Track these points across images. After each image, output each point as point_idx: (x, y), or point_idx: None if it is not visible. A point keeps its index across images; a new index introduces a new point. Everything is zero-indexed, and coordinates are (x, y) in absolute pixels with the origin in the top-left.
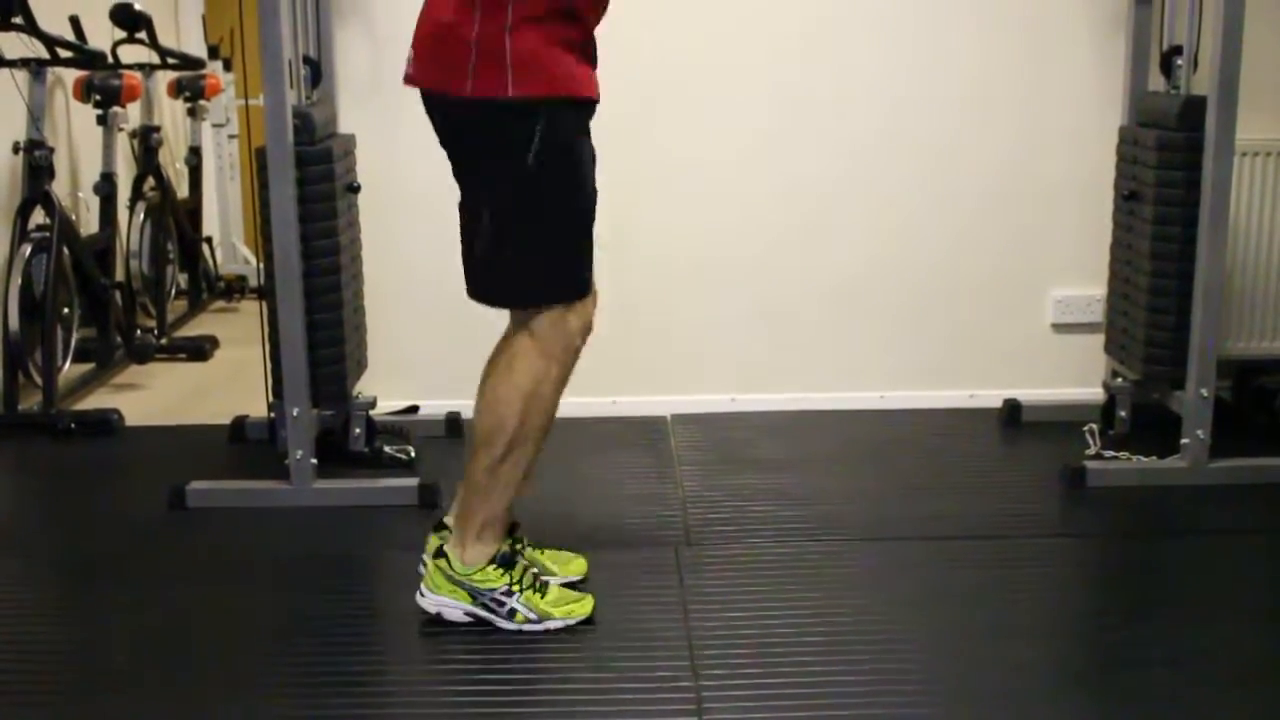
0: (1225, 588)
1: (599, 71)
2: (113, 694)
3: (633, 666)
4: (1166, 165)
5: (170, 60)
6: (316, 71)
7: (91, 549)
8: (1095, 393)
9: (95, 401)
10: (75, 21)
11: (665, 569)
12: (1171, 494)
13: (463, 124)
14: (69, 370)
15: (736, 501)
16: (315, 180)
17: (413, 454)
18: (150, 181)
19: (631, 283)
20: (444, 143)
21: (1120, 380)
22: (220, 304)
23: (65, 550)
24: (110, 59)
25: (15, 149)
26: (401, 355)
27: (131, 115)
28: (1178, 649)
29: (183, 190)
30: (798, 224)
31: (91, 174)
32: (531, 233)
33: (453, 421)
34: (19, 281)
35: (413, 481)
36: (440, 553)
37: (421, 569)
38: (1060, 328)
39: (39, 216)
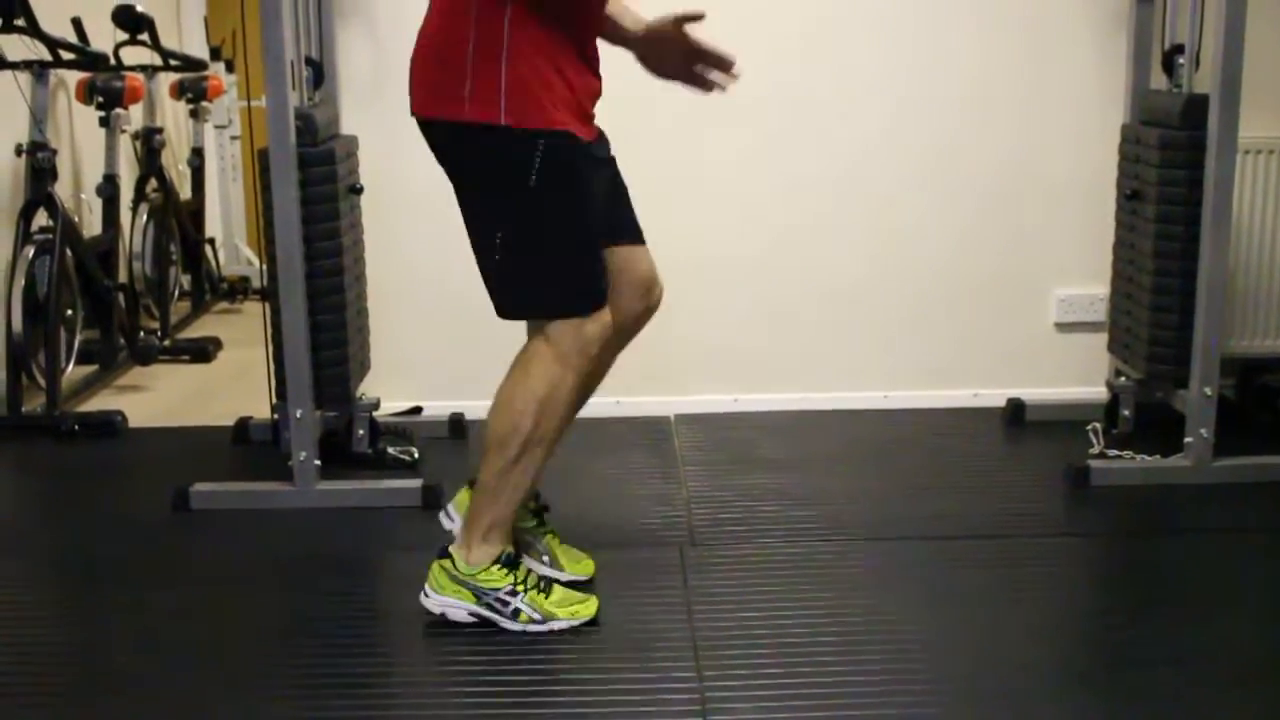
0: (1229, 587)
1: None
2: (114, 695)
3: (637, 667)
4: (1169, 164)
5: (172, 62)
6: (319, 73)
7: (95, 551)
8: (1099, 392)
9: (99, 403)
10: (77, 23)
11: (670, 569)
12: (1175, 493)
13: (462, 147)
14: (72, 372)
15: (741, 502)
16: (318, 181)
17: (416, 455)
18: (153, 183)
19: None
20: (446, 167)
21: (1123, 379)
22: (223, 305)
23: (68, 552)
24: (113, 61)
25: (18, 151)
26: (404, 356)
27: (134, 117)
28: (1182, 648)
29: (185, 192)
30: (800, 224)
31: (94, 176)
32: (540, 250)
33: (456, 423)
34: (22, 283)
35: (416, 483)
36: (445, 553)
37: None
38: (1063, 327)
39: (42, 218)
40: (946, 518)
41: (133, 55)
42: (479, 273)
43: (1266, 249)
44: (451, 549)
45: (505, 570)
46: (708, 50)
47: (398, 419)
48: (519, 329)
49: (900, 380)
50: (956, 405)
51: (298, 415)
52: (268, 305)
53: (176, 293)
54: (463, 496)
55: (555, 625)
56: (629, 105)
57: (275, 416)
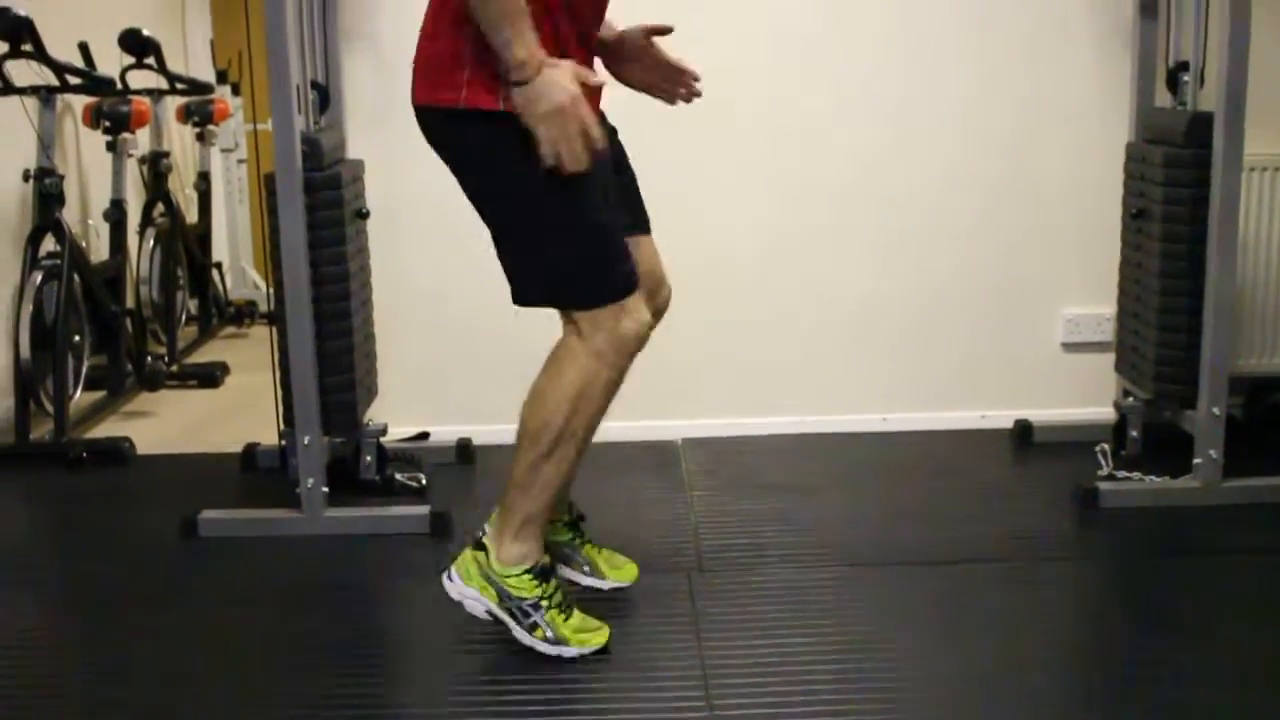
0: (1241, 609)
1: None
2: None
3: (646, 694)
4: (1174, 183)
5: (179, 85)
6: (325, 97)
7: (104, 578)
8: (1107, 412)
9: (107, 429)
10: (84, 48)
11: (678, 595)
12: (1185, 514)
13: (463, 135)
14: (80, 398)
15: (749, 526)
16: (324, 206)
17: (424, 481)
18: (160, 207)
19: None
20: (444, 155)
21: (1131, 400)
22: (230, 329)
23: (77, 580)
24: (119, 85)
25: (25, 177)
26: (412, 381)
27: (141, 141)
28: (1194, 671)
29: (192, 215)
30: (803, 244)
31: (101, 200)
32: (555, 236)
33: (464, 448)
34: (30, 310)
35: (424, 509)
36: (479, 544)
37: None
38: (1071, 347)
39: (50, 244)
40: (955, 541)
41: (139, 79)
42: (499, 265)
43: (1273, 266)
44: (486, 540)
45: (537, 581)
46: (674, 64)
47: (405, 444)
48: (527, 352)
49: (907, 402)
50: (964, 427)
51: (305, 442)
52: (275, 329)
53: (184, 317)
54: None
55: (565, 652)
56: (631, 129)
57: (283, 443)
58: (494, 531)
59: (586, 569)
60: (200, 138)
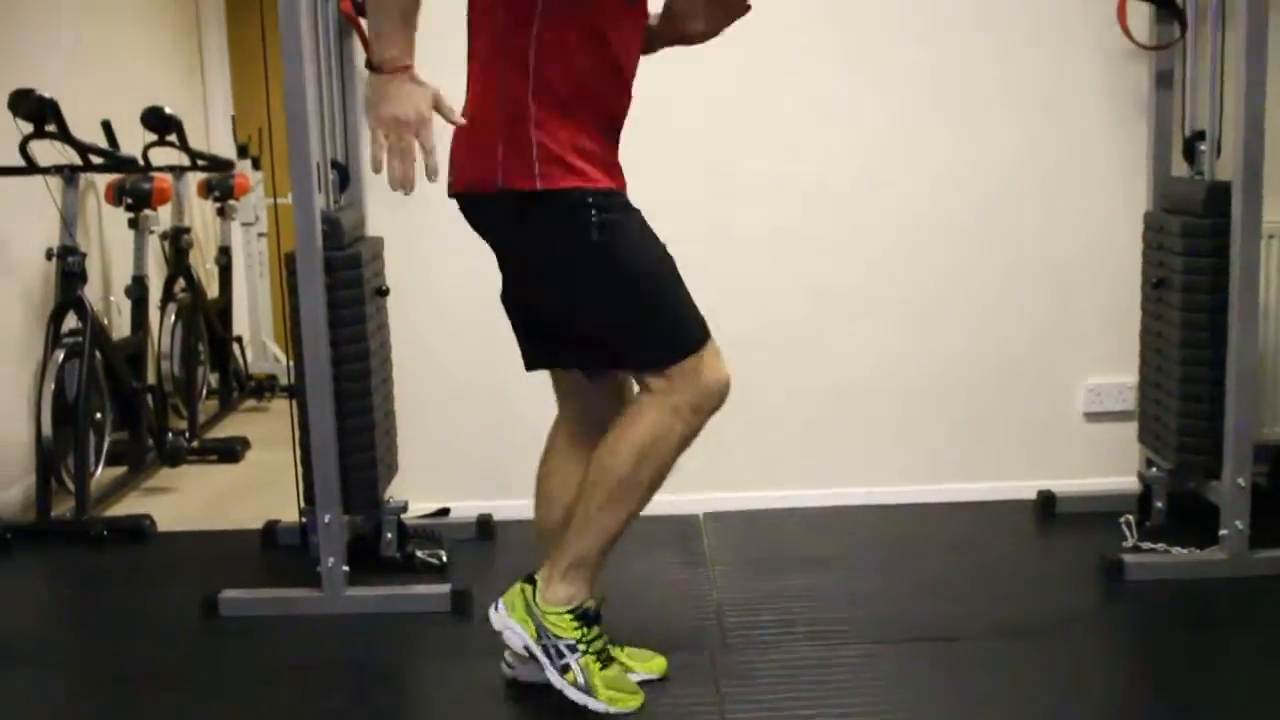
0: (1273, 685)
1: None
2: None
3: None
4: (1193, 252)
5: (200, 162)
6: (344, 175)
7: (125, 658)
8: (1131, 482)
9: (128, 506)
10: (107, 126)
11: (701, 676)
12: (1212, 587)
13: (507, 219)
14: (101, 474)
15: (772, 603)
16: (344, 285)
17: (445, 559)
18: (181, 282)
19: None
20: (493, 241)
21: (1155, 470)
22: (251, 403)
23: (98, 659)
24: (141, 162)
25: (49, 255)
26: (431, 456)
27: (162, 217)
28: None
29: (213, 290)
30: (826, 314)
31: (123, 276)
32: (623, 300)
33: (484, 524)
34: (52, 387)
35: (445, 588)
36: (531, 579)
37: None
38: (1093, 416)
39: (71, 321)
40: (981, 616)
41: (161, 156)
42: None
43: None
44: (538, 576)
45: (578, 624)
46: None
47: (426, 521)
48: (546, 427)
49: (930, 473)
50: (987, 498)
51: (326, 521)
52: (295, 403)
53: (204, 392)
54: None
55: (591, 704)
56: (648, 195)
57: (303, 520)
58: (546, 570)
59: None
60: (221, 212)
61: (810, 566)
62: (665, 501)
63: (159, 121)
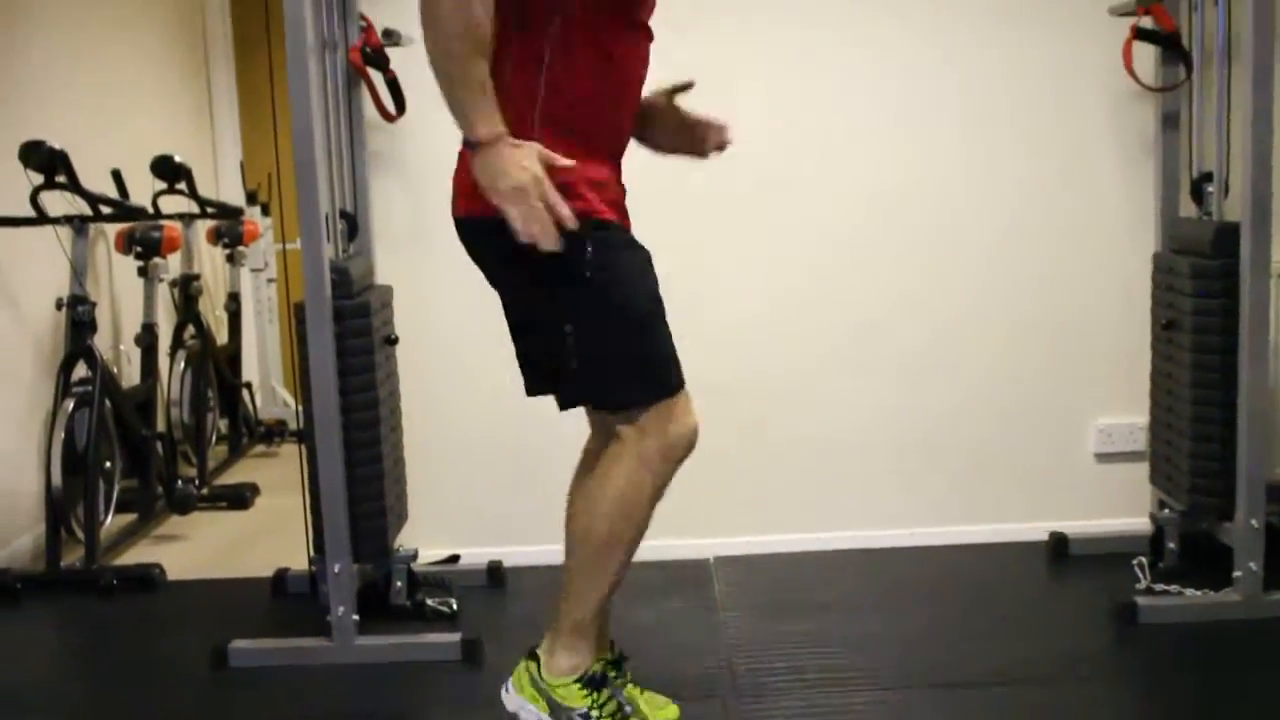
0: None
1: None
2: None
3: None
4: (1203, 293)
5: (209, 210)
6: (353, 225)
7: (134, 710)
8: (1144, 522)
9: (137, 554)
10: (117, 176)
11: None
12: (1227, 629)
13: (504, 246)
14: (111, 522)
15: (784, 649)
16: (353, 334)
17: (455, 607)
18: (190, 329)
19: None
20: (485, 266)
21: (1167, 511)
22: (261, 448)
23: (108, 710)
24: (151, 210)
25: (59, 305)
26: (440, 503)
27: (172, 265)
28: None
29: (222, 336)
30: (833, 357)
31: (133, 325)
32: (606, 340)
33: (494, 571)
34: (62, 437)
35: (455, 637)
36: (532, 654)
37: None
38: (1104, 457)
39: (81, 370)
40: (993, 661)
41: (171, 204)
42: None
43: None
44: (540, 650)
45: (586, 691)
46: (700, 120)
47: (435, 568)
48: (556, 473)
49: (941, 515)
50: (998, 540)
51: (335, 570)
52: (304, 447)
53: (214, 438)
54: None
55: None
56: (658, 237)
57: (313, 569)
58: (547, 641)
59: (628, 710)
60: (230, 259)
61: (823, 611)
62: (676, 546)
63: (169, 170)
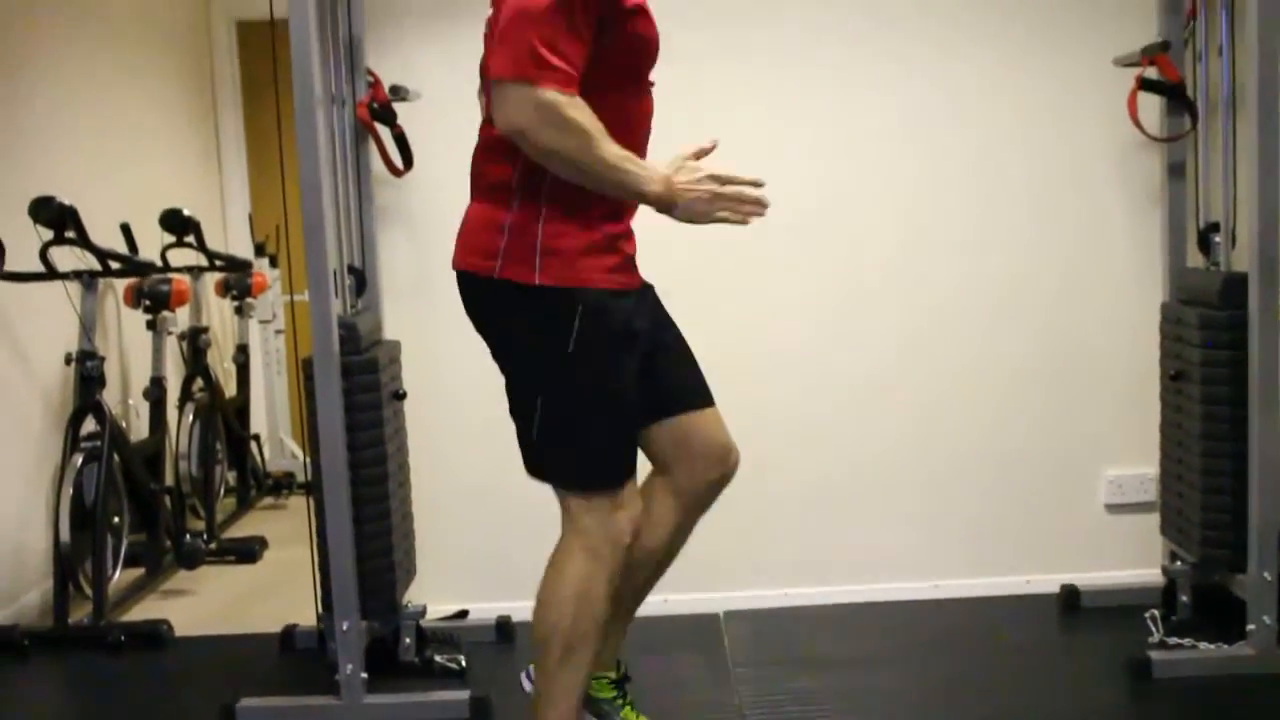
0: None
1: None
2: None
3: None
4: (1211, 344)
5: (218, 263)
6: (361, 280)
7: None
8: (1155, 574)
9: (145, 609)
10: (126, 230)
11: None
12: (1241, 683)
13: (497, 306)
14: (119, 577)
15: (794, 705)
16: (361, 390)
17: (464, 663)
18: (199, 382)
19: None
20: (477, 324)
21: (1179, 563)
22: (269, 500)
23: None
24: (160, 263)
25: (67, 360)
26: (449, 559)
27: (180, 318)
28: None
29: (230, 388)
30: (842, 412)
31: (141, 378)
32: (571, 417)
33: (503, 626)
34: (70, 492)
35: (464, 694)
36: None
37: None
38: (1114, 508)
39: (90, 425)
40: (1006, 716)
41: (179, 257)
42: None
43: None
44: None
45: None
46: (731, 179)
47: (444, 624)
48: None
49: (950, 568)
50: (1010, 592)
51: (344, 627)
52: (311, 499)
53: (222, 490)
54: None
55: None
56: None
57: (321, 625)
58: None
59: None
60: (239, 311)
61: (832, 666)
62: (684, 600)
63: (177, 223)
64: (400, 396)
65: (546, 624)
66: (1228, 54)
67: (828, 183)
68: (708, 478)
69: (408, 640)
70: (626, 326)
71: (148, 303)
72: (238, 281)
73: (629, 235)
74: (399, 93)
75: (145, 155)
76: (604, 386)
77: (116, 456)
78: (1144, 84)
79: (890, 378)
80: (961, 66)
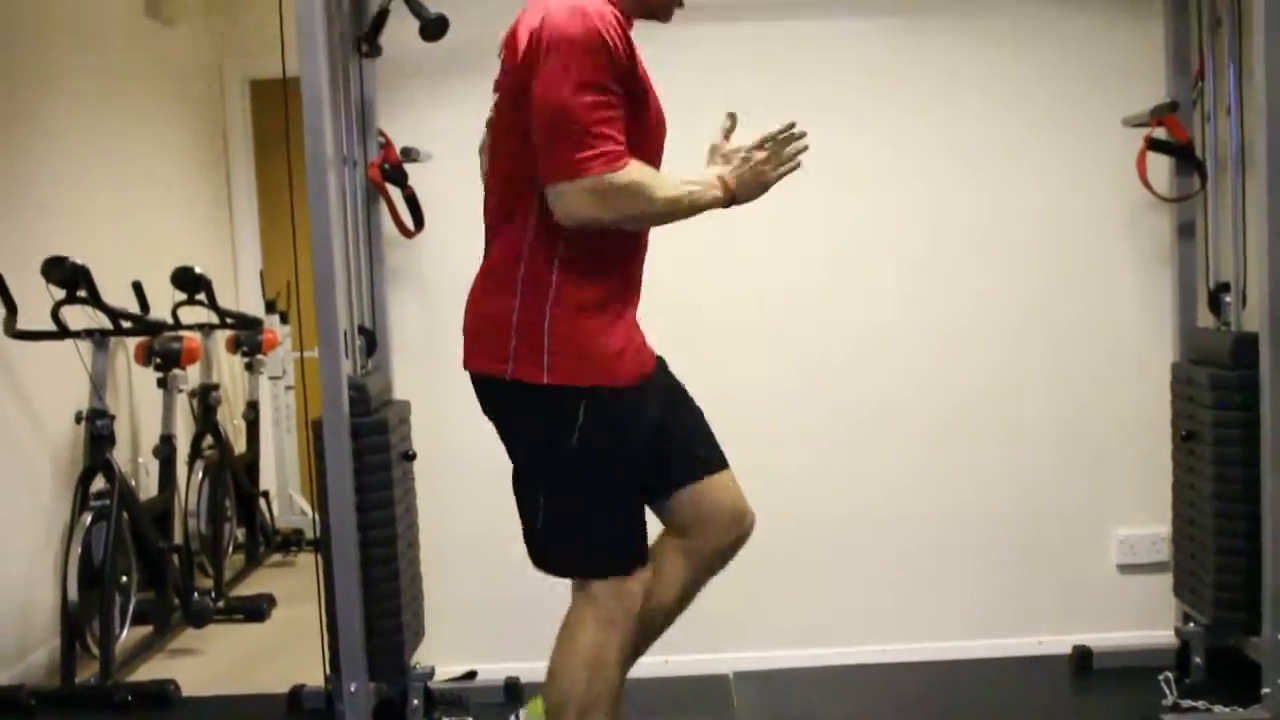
0: None
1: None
2: None
3: None
4: (1223, 405)
5: (229, 320)
6: (371, 340)
7: None
8: (1168, 635)
9: (153, 668)
10: (138, 288)
11: None
12: None
13: (509, 404)
14: (126, 636)
15: None
16: (371, 451)
17: None
18: (209, 439)
19: None
20: (493, 421)
21: (1192, 625)
22: (277, 557)
23: None
24: (171, 320)
25: (78, 418)
26: (457, 618)
27: (191, 375)
28: None
29: (240, 444)
30: (851, 472)
31: (151, 435)
32: (576, 511)
33: (511, 686)
34: (79, 551)
35: None
36: None
37: None
38: (1126, 569)
39: (99, 484)
40: None
41: (190, 314)
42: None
43: None
44: None
45: None
46: (766, 140)
47: (452, 685)
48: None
49: (963, 629)
50: (1022, 654)
51: (351, 689)
52: (320, 558)
53: (230, 547)
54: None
55: None
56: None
57: (329, 686)
58: None
59: None
60: (249, 367)
61: None
62: (693, 661)
63: (189, 281)
64: (410, 457)
65: (560, 690)
66: (1236, 114)
67: (838, 243)
68: (723, 542)
69: (415, 702)
70: (635, 417)
71: (159, 360)
72: (248, 338)
73: (636, 325)
74: (411, 154)
75: (158, 209)
76: (609, 482)
77: (125, 515)
78: (1153, 144)
79: (901, 437)
80: (972, 125)
